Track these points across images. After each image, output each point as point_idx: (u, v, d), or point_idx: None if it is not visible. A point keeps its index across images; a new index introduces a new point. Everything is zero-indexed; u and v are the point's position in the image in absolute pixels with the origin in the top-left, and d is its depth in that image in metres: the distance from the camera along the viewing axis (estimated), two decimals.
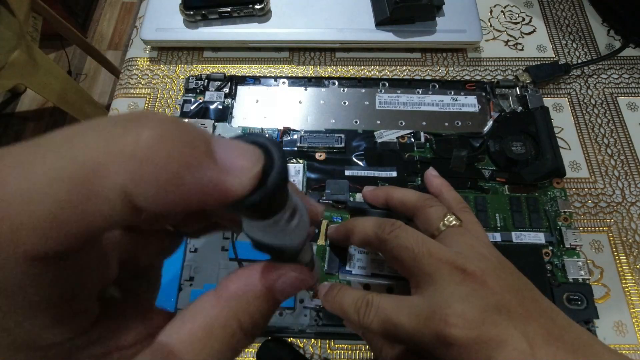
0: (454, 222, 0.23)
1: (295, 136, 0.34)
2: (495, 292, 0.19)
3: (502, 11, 0.43)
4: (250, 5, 0.38)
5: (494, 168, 0.33)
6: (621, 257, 0.31)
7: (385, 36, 0.38)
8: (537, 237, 0.30)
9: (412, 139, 0.34)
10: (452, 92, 0.36)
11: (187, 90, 0.37)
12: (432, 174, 0.29)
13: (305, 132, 0.34)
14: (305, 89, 0.37)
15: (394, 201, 0.27)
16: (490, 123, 0.35)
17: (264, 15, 0.39)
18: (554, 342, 0.18)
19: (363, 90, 0.37)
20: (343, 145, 0.34)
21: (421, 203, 0.25)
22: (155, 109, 0.38)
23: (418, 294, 0.21)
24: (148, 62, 0.40)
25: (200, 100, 0.36)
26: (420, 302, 0.20)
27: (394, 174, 0.33)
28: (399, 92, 0.37)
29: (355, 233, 0.25)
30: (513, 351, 0.17)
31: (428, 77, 0.39)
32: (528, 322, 0.18)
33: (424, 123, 0.35)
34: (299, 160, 0.34)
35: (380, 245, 0.23)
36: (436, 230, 0.23)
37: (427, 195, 0.26)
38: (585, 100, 0.38)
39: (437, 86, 0.37)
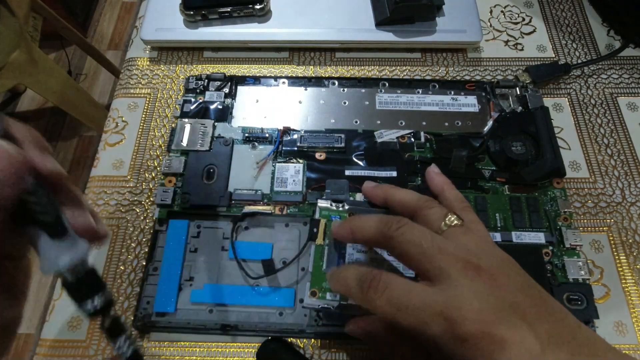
0: (455, 222, 0.23)
1: (295, 136, 0.34)
2: (509, 291, 0.19)
3: (502, 11, 0.43)
4: (250, 5, 0.38)
5: (494, 168, 0.33)
6: (621, 257, 0.31)
7: (385, 36, 0.38)
8: (537, 237, 0.30)
9: (412, 139, 0.34)
10: (452, 92, 0.36)
11: (187, 90, 0.37)
12: (434, 171, 0.29)
13: (305, 132, 0.34)
14: (305, 89, 0.37)
15: (394, 202, 0.27)
16: (490, 123, 0.35)
17: (264, 15, 0.39)
18: (564, 343, 0.18)
19: (363, 90, 0.37)
20: (343, 145, 0.34)
21: (421, 204, 0.24)
22: (155, 109, 0.38)
23: (429, 286, 0.20)
24: (148, 62, 0.40)
25: (200, 100, 0.36)
26: (434, 292, 0.20)
27: (394, 174, 0.33)
28: (399, 92, 0.37)
29: (359, 230, 0.24)
30: (525, 352, 0.17)
31: (428, 77, 0.39)
32: (539, 323, 0.18)
33: (424, 123, 0.35)
34: (299, 160, 0.34)
35: (387, 242, 0.22)
36: (438, 231, 0.23)
37: (427, 197, 0.26)
38: (585, 100, 0.38)
39: (437, 86, 0.37)
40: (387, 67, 0.39)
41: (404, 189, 0.28)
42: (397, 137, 0.34)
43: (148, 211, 0.33)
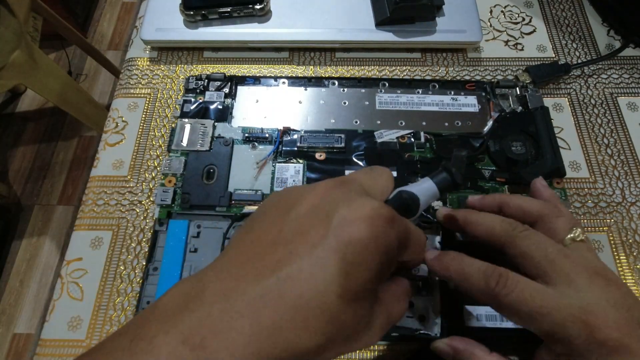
0: (580, 237, 0.22)
1: (295, 136, 0.34)
2: (637, 308, 0.20)
3: (502, 11, 0.43)
4: (250, 5, 0.38)
5: (494, 168, 0.33)
6: (621, 257, 0.31)
7: (385, 36, 0.38)
8: None
9: (412, 139, 0.34)
10: (452, 92, 0.36)
11: (187, 90, 0.37)
12: (542, 183, 0.28)
13: (305, 132, 0.34)
14: (305, 89, 0.37)
15: (511, 208, 0.26)
16: (490, 123, 0.35)
17: (264, 15, 0.39)
18: None
19: (363, 90, 0.37)
20: (343, 145, 0.34)
21: (547, 211, 0.24)
22: (155, 109, 0.38)
23: (553, 290, 0.21)
24: (148, 62, 0.40)
25: (200, 100, 0.36)
26: (566, 295, 0.20)
27: (394, 174, 0.33)
28: (399, 92, 0.37)
29: (479, 225, 0.24)
30: None
31: (428, 77, 0.39)
32: None
33: (424, 123, 0.35)
34: (299, 160, 0.34)
35: (508, 240, 0.22)
36: (561, 242, 0.22)
37: (553, 203, 0.25)
38: (585, 100, 0.38)
39: (437, 86, 0.37)
40: (387, 67, 0.39)
41: (521, 195, 0.27)
42: (397, 137, 0.34)
43: (148, 211, 0.33)
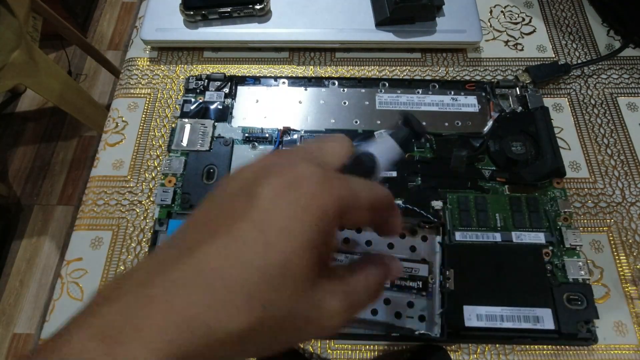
0: None
1: (295, 136, 0.34)
2: None
3: (502, 11, 0.43)
4: (250, 5, 0.38)
5: (494, 168, 0.33)
6: (621, 257, 0.31)
7: (385, 36, 0.38)
8: (537, 237, 0.30)
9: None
10: (452, 92, 0.36)
11: (187, 90, 0.37)
12: None
13: (305, 132, 0.34)
14: (305, 89, 0.37)
15: None
16: (490, 123, 0.35)
17: (264, 15, 0.39)
18: None
19: (363, 90, 0.37)
20: None
21: None
22: (155, 109, 0.38)
23: None
24: (148, 62, 0.40)
25: (200, 100, 0.36)
26: None
27: (394, 174, 0.33)
28: (399, 92, 0.37)
29: None
30: None
31: (428, 77, 0.39)
32: None
33: (424, 123, 0.35)
34: None
35: None
36: None
37: None
38: (585, 101, 0.38)
39: (437, 86, 0.37)
40: (387, 67, 0.39)
41: None
42: None
43: (148, 211, 0.33)
